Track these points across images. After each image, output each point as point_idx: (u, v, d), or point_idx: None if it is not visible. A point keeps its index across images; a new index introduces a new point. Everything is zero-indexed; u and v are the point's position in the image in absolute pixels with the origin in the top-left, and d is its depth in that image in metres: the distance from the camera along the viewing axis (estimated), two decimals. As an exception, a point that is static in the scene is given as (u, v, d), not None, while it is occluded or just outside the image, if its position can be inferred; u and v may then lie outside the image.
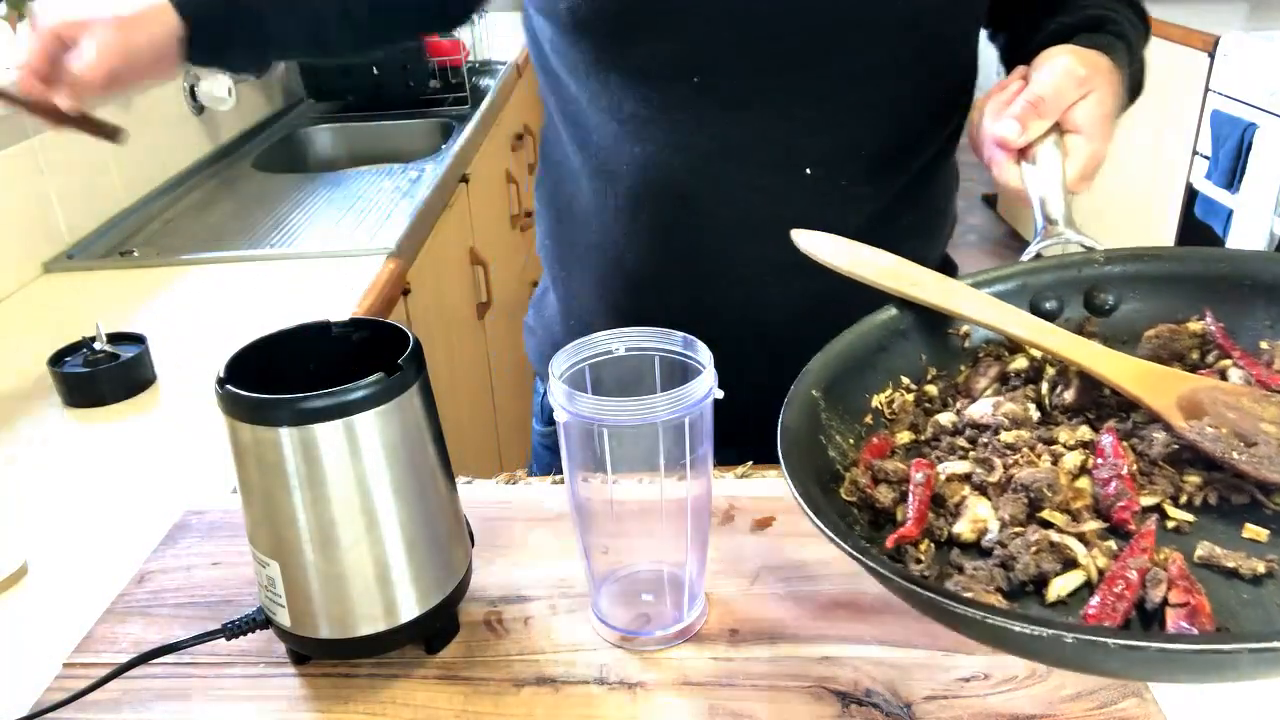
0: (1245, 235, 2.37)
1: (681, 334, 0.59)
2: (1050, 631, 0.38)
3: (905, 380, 0.61)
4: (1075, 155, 0.64)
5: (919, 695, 0.55)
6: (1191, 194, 2.64)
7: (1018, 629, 0.39)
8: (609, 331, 0.60)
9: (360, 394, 0.53)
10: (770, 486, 0.74)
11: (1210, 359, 0.57)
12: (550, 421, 1.00)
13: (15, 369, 1.09)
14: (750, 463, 0.78)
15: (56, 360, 1.02)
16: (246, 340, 0.58)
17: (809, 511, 0.48)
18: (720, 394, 0.55)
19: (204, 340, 1.16)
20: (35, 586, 0.72)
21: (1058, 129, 0.65)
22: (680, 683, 0.57)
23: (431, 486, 0.58)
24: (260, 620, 0.59)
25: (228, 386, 0.53)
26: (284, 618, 0.57)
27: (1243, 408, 0.51)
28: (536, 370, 1.02)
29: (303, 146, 2.28)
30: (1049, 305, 0.62)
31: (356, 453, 0.54)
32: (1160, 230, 2.81)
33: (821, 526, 0.46)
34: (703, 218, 0.81)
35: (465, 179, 1.90)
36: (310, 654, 0.60)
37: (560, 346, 0.94)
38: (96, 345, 1.02)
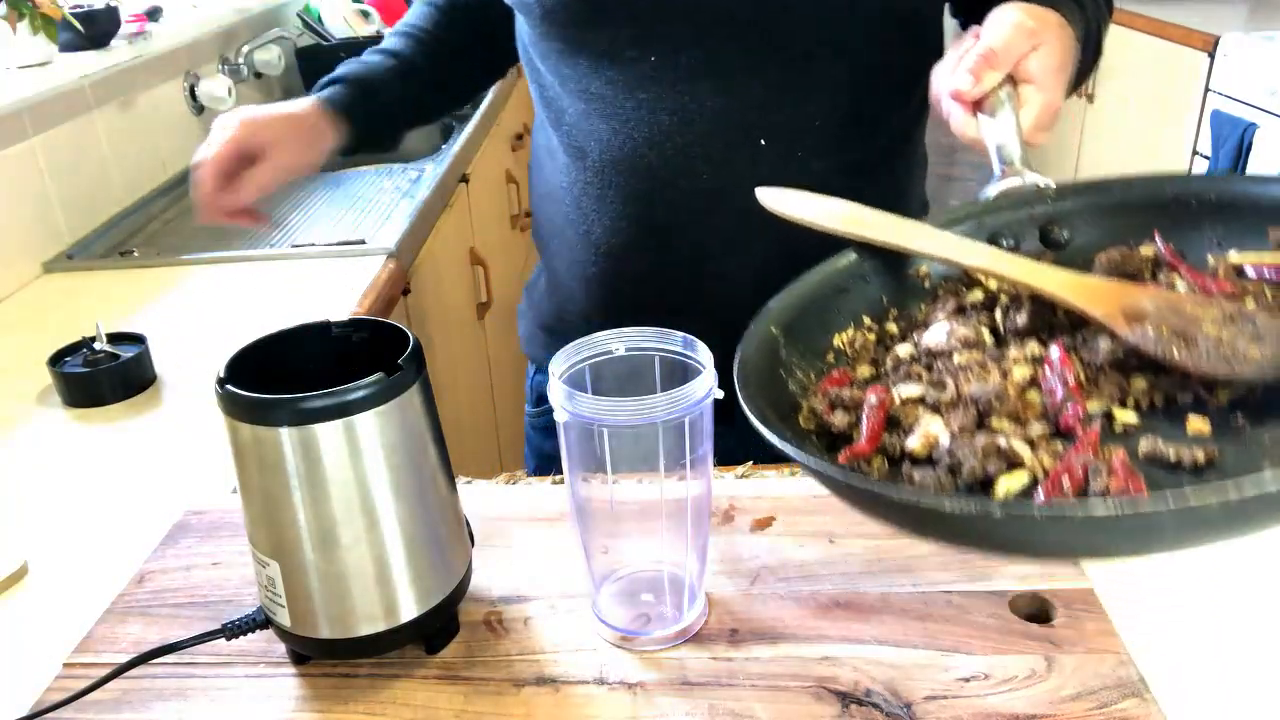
0: (1245, 235, 2.37)
1: (681, 334, 0.59)
2: (979, 508, 0.40)
3: (867, 321, 0.63)
4: (1029, 105, 0.66)
5: (919, 695, 0.55)
6: (1191, 194, 2.63)
7: (949, 507, 0.41)
8: (609, 331, 0.60)
9: (360, 394, 0.53)
10: (770, 486, 0.74)
11: (1161, 277, 0.59)
12: (539, 402, 1.03)
13: (15, 369, 1.09)
14: (750, 463, 0.78)
15: (56, 360, 1.02)
16: (246, 340, 0.58)
17: (754, 418, 0.49)
18: (720, 394, 0.55)
19: (204, 340, 1.16)
20: (35, 586, 0.72)
21: (1011, 81, 0.67)
22: (680, 683, 0.57)
23: (431, 486, 0.58)
24: (260, 620, 0.59)
25: (228, 386, 0.53)
26: (284, 618, 0.57)
27: (1184, 312, 0.53)
28: (526, 352, 1.05)
29: (303, 146, 2.28)
30: (1005, 243, 0.63)
31: (356, 453, 0.54)
32: (1160, 230, 2.81)
33: (761, 427, 0.48)
34: (665, 189, 0.84)
35: (465, 179, 1.90)
36: (310, 654, 0.60)
37: (545, 326, 0.96)
38: (96, 345, 1.02)
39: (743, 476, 0.76)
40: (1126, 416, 0.51)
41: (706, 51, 0.79)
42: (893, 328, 0.63)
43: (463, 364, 1.83)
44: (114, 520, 0.80)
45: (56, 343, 1.04)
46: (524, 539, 0.70)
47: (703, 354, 0.58)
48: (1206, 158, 2.57)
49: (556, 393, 0.55)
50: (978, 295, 0.62)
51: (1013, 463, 0.48)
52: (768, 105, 0.81)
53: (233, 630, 0.59)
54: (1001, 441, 0.49)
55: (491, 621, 0.63)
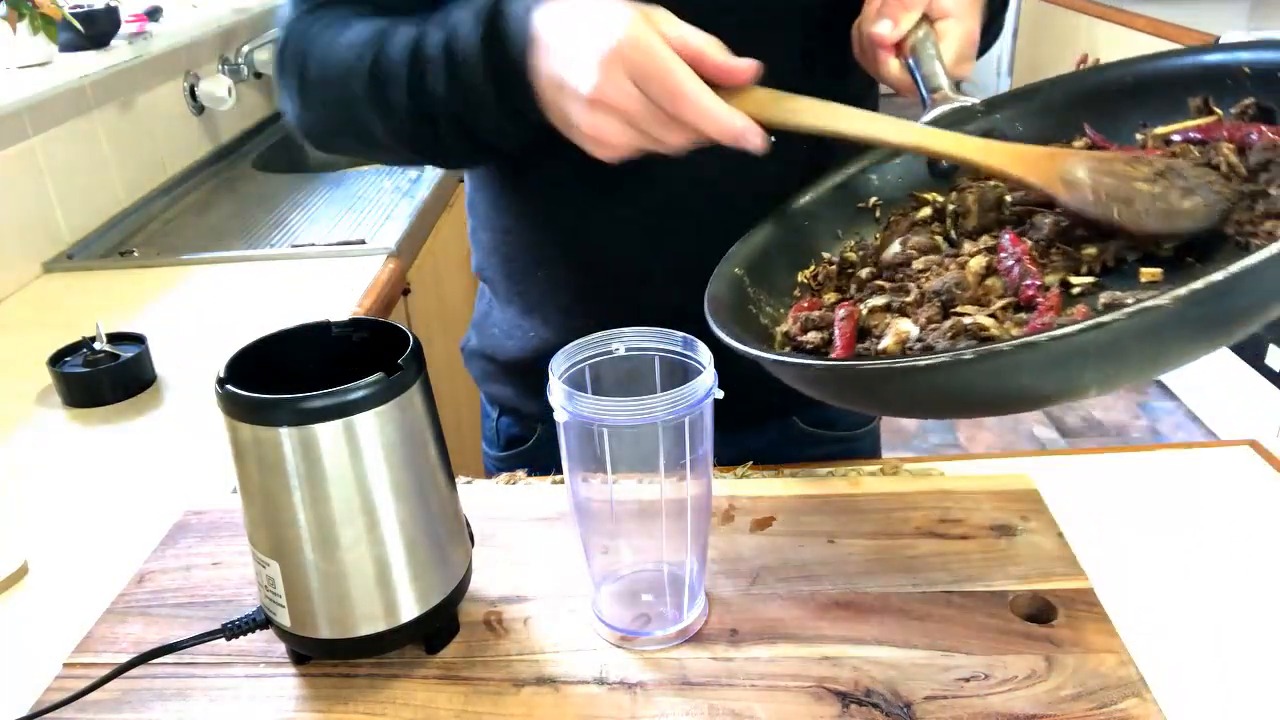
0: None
1: (681, 334, 0.59)
2: (951, 355, 0.44)
3: (826, 255, 0.67)
4: (949, 38, 0.66)
5: (919, 695, 0.55)
6: (1191, 194, 2.63)
7: (924, 361, 0.44)
8: (609, 331, 0.60)
9: (360, 394, 0.53)
10: (770, 486, 0.74)
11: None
12: (506, 446, 0.96)
13: (15, 369, 1.09)
14: (750, 463, 0.78)
15: (56, 360, 1.02)
16: (246, 340, 0.58)
17: (723, 334, 0.53)
18: (720, 394, 0.55)
19: (204, 340, 1.16)
20: (35, 586, 0.72)
21: (929, 21, 0.68)
22: (680, 683, 0.57)
23: (431, 486, 0.58)
24: (260, 620, 0.59)
25: (228, 386, 0.53)
26: (284, 618, 0.57)
27: (1117, 172, 0.55)
28: (483, 392, 0.98)
29: (303, 146, 2.28)
30: (944, 164, 0.65)
31: (356, 453, 0.54)
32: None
33: (732, 342, 0.52)
34: (649, 182, 0.77)
35: (465, 179, 1.90)
36: (310, 654, 0.60)
37: (514, 362, 0.85)
38: (96, 345, 1.03)
39: (743, 476, 0.76)
40: (1082, 281, 0.54)
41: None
42: (852, 256, 0.66)
43: (462, 364, 1.83)
44: (114, 520, 0.80)
45: (56, 343, 1.04)
46: (524, 539, 0.70)
47: (703, 354, 0.58)
48: (1206, 158, 2.57)
49: (556, 393, 0.55)
50: (926, 212, 0.65)
51: (982, 338, 0.50)
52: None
53: (233, 630, 0.59)
54: (967, 320, 0.51)
55: (491, 621, 0.63)
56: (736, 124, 0.58)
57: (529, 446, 0.94)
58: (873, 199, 0.69)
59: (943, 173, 0.66)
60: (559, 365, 0.58)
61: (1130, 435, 2.69)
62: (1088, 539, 0.67)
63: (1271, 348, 2.38)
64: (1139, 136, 0.62)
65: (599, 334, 0.59)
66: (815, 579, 0.65)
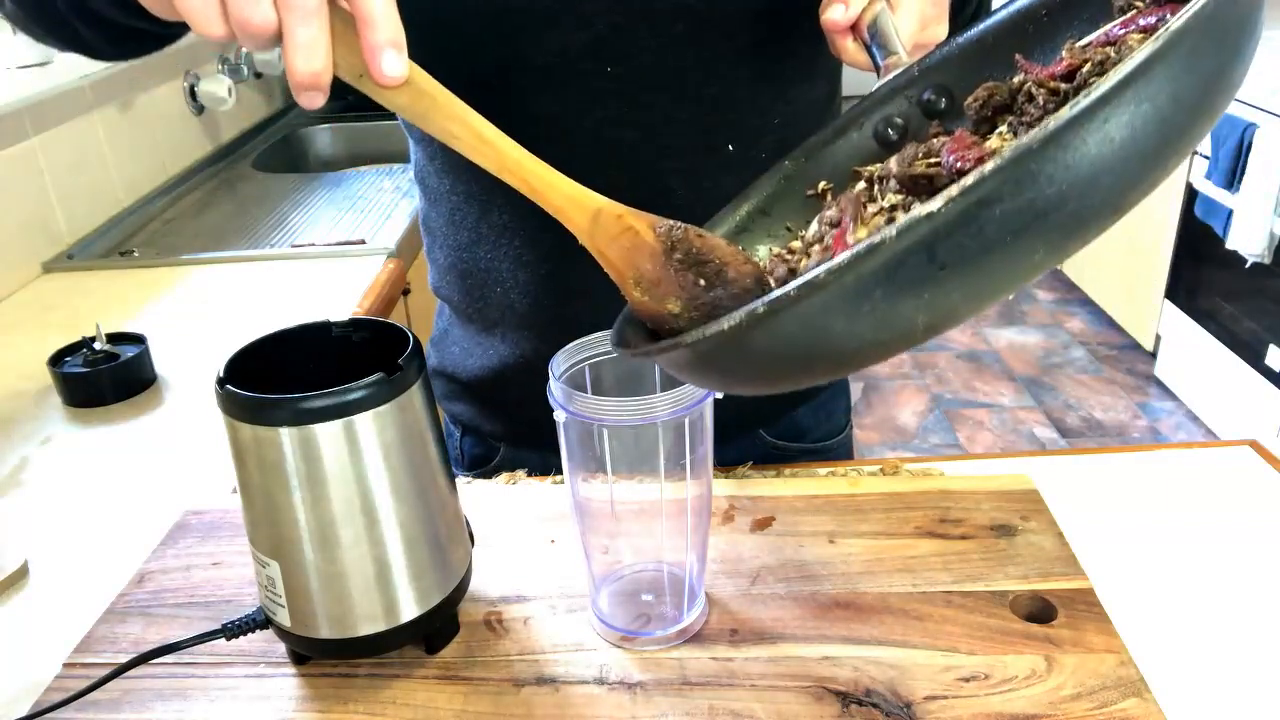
0: (1245, 235, 2.37)
1: (681, 334, 0.59)
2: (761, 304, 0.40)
3: (776, 250, 0.64)
4: (905, 4, 0.65)
5: (919, 695, 0.55)
6: (1191, 194, 2.64)
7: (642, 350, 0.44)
8: (609, 331, 0.59)
9: (360, 394, 0.53)
10: (770, 486, 0.74)
11: (1036, 99, 0.55)
12: (471, 467, 0.94)
13: (15, 369, 1.09)
14: (750, 462, 0.78)
15: (56, 360, 1.02)
16: (246, 340, 0.58)
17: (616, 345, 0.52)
18: (720, 393, 0.55)
19: (204, 340, 1.16)
20: (35, 586, 0.72)
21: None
22: (680, 683, 0.57)
23: (431, 486, 0.58)
24: (260, 620, 0.59)
25: (227, 386, 0.53)
26: (284, 618, 0.57)
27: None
28: (445, 412, 0.94)
29: (303, 146, 2.29)
30: (892, 133, 0.63)
31: (356, 453, 0.54)
32: (1160, 230, 2.81)
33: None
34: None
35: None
36: (310, 654, 0.60)
37: (473, 381, 0.82)
38: (96, 345, 1.03)
39: (743, 477, 0.76)
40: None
41: (663, 54, 0.72)
42: (796, 244, 0.63)
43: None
44: (114, 520, 0.80)
45: (56, 343, 1.04)
46: (524, 539, 0.70)
47: (703, 354, 0.57)
48: (1206, 157, 2.57)
49: (556, 392, 0.55)
50: (861, 185, 0.62)
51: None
52: (727, 107, 0.75)
53: (232, 630, 0.59)
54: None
55: (491, 621, 0.63)
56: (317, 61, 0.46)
57: (493, 466, 0.91)
58: (822, 184, 0.66)
59: (889, 141, 0.65)
60: (559, 365, 0.58)
61: (1130, 435, 2.69)
62: (1088, 539, 0.67)
63: (1271, 348, 2.38)
64: (1064, 54, 0.56)
65: (598, 334, 0.59)
66: (815, 579, 0.65)
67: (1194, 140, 0.39)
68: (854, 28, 0.66)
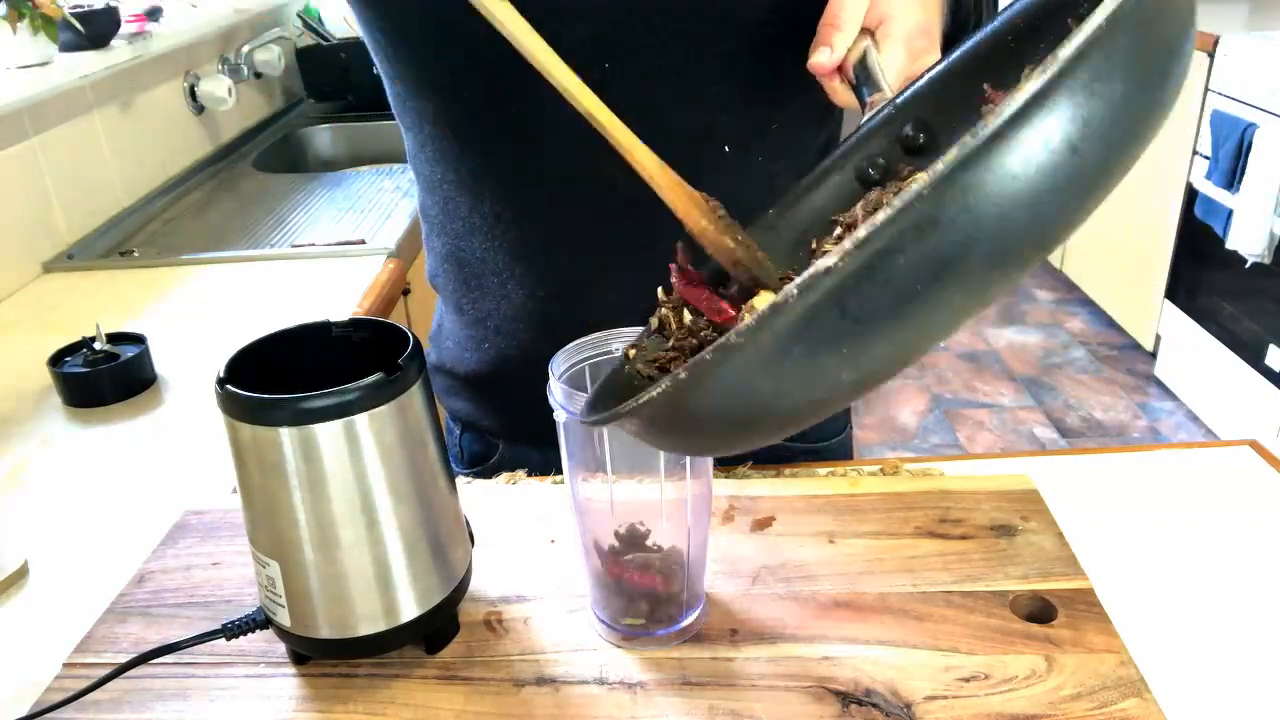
0: (1245, 235, 2.37)
1: (681, 334, 0.59)
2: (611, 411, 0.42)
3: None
4: (889, 40, 0.64)
5: (919, 695, 0.55)
6: (1191, 194, 2.63)
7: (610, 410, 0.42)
8: (608, 331, 0.60)
9: (360, 394, 0.53)
10: (770, 486, 0.74)
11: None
12: (470, 464, 0.94)
13: (15, 369, 1.09)
14: (750, 463, 0.78)
15: (56, 360, 1.02)
16: (246, 340, 0.58)
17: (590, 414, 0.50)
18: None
19: (204, 340, 1.16)
20: (35, 586, 0.72)
21: (868, 33, 0.65)
22: (680, 683, 0.57)
23: (431, 486, 0.58)
24: (260, 620, 0.59)
25: (227, 386, 0.53)
26: (284, 618, 0.57)
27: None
28: (445, 408, 0.94)
29: (303, 146, 2.29)
30: (873, 173, 0.61)
31: (356, 453, 0.54)
32: (1160, 230, 2.81)
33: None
34: (630, 207, 0.73)
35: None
36: (310, 654, 0.60)
37: (471, 375, 0.82)
38: (96, 345, 1.03)
39: (743, 477, 0.76)
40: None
41: (663, 52, 0.72)
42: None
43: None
44: (114, 520, 0.80)
45: (56, 343, 1.04)
46: (524, 539, 0.70)
47: (702, 354, 0.57)
48: (1206, 158, 2.57)
49: (556, 392, 0.55)
50: (838, 231, 0.60)
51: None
52: (726, 108, 0.75)
53: (232, 630, 0.59)
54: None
55: (491, 621, 0.63)
56: None
57: (492, 464, 0.91)
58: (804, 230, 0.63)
59: (870, 181, 0.62)
60: (559, 365, 0.58)
61: (1130, 435, 2.69)
62: (1088, 539, 0.67)
63: (1271, 348, 2.38)
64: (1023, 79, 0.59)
65: (598, 334, 0.59)
66: (815, 579, 0.65)
67: (1121, 169, 0.36)
68: (841, 69, 0.65)
